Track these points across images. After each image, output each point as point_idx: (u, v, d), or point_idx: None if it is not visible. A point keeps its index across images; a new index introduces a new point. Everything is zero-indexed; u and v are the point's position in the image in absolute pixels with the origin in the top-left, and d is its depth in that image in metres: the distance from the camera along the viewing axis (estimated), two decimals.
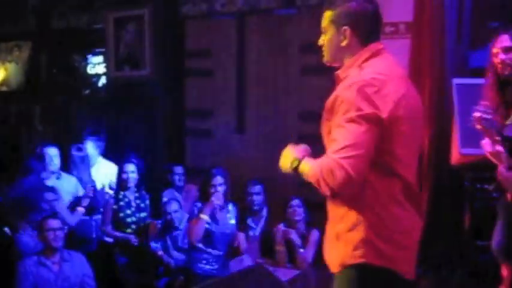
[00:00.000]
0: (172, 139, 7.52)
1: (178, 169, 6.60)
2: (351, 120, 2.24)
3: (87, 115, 9.25)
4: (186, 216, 5.71)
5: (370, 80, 2.28)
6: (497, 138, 3.64)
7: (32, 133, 9.15)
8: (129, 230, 5.76)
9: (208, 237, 5.37)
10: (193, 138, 7.48)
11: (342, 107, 2.28)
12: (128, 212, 5.74)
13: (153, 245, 5.71)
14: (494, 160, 3.72)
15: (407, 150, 2.38)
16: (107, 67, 8.18)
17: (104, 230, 5.87)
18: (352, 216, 2.40)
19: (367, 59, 2.41)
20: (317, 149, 2.48)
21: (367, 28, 2.44)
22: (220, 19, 7.14)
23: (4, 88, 10.79)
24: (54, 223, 5.04)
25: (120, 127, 7.75)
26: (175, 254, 5.63)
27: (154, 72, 7.36)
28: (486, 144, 3.77)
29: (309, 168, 2.38)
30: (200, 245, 5.36)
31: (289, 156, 2.50)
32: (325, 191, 2.28)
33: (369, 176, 2.31)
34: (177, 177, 6.56)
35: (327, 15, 2.49)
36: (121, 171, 5.99)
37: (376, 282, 2.40)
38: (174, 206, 5.77)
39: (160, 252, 5.66)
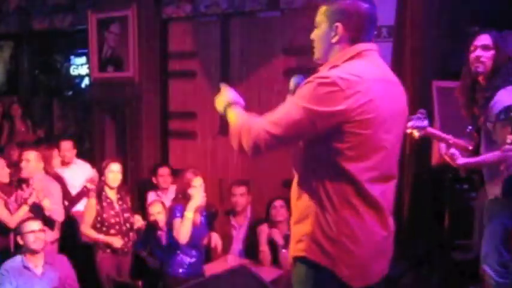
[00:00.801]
0: (156, 140, 7.53)
1: (163, 170, 6.61)
2: (296, 105, 2.29)
3: (69, 116, 9.26)
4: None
5: (335, 78, 2.26)
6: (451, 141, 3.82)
7: (13, 133, 9.10)
8: (112, 231, 5.71)
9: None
10: (177, 140, 7.51)
11: (299, 90, 2.34)
12: (112, 212, 5.70)
13: (136, 245, 5.71)
14: (448, 160, 3.87)
15: (367, 154, 2.33)
16: (90, 68, 8.16)
17: (84, 231, 5.73)
18: (301, 208, 2.44)
19: (350, 58, 2.40)
20: None
21: (358, 27, 2.41)
22: (205, 21, 7.17)
23: None
24: (35, 225, 4.98)
25: (103, 128, 7.75)
26: (158, 254, 5.63)
27: (138, 73, 7.35)
28: (442, 147, 3.93)
29: (236, 117, 2.49)
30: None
31: (225, 98, 2.61)
32: (233, 143, 2.39)
33: (321, 174, 2.35)
34: (161, 179, 6.57)
35: (322, 10, 2.47)
36: (105, 172, 5.83)
37: (318, 280, 2.40)
38: (157, 207, 5.79)
39: (143, 253, 5.67)
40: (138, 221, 5.79)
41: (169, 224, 5.06)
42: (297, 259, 2.46)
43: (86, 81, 9.22)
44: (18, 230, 5.01)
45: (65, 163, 6.82)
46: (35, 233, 4.90)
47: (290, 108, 2.30)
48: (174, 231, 4.95)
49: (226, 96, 2.62)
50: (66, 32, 8.88)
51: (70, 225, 6.20)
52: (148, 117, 7.38)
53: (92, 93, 8.14)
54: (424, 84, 5.18)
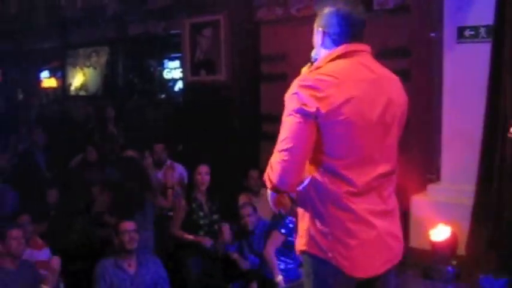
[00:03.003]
0: (248, 143, 7.57)
1: (254, 173, 6.62)
2: (288, 115, 2.39)
3: (162, 119, 9.44)
4: (264, 220, 5.72)
5: (313, 80, 2.37)
6: None
7: (106, 136, 9.35)
8: (201, 233, 5.79)
9: (287, 248, 5.33)
10: (269, 143, 7.48)
11: (286, 104, 2.42)
12: (201, 214, 5.76)
13: (228, 248, 5.74)
14: None
15: (351, 153, 2.40)
16: (183, 72, 8.31)
17: (174, 233, 5.83)
18: (302, 209, 2.55)
19: (333, 59, 2.47)
20: None
21: (338, 30, 2.50)
22: (296, 23, 7.15)
23: (82, 92, 11.12)
24: (130, 225, 5.05)
25: (196, 131, 7.86)
26: (250, 257, 5.65)
27: (229, 76, 7.43)
28: None
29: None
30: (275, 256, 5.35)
31: None
32: (268, 185, 2.46)
33: (312, 172, 2.44)
34: (252, 182, 6.59)
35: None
36: (194, 173, 5.97)
37: (321, 272, 2.50)
38: (249, 210, 5.81)
39: (235, 256, 5.69)
40: (226, 230, 5.81)
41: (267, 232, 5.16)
42: (302, 253, 2.57)
43: (179, 85, 9.37)
44: (113, 230, 5.12)
45: (157, 165, 6.97)
46: (130, 233, 4.98)
47: (286, 121, 2.40)
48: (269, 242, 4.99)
49: None
50: (160, 37, 9.08)
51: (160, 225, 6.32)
52: (240, 120, 7.42)
53: (185, 96, 8.28)
54: None
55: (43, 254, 5.35)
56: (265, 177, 2.46)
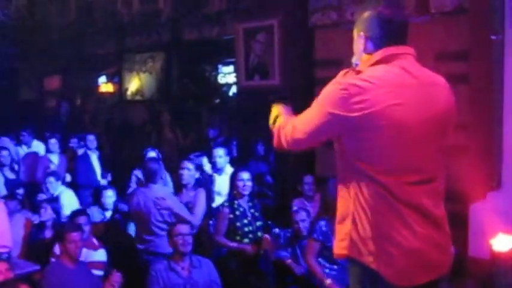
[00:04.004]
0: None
1: (308, 178, 6.58)
2: (318, 105, 2.45)
3: (217, 123, 9.49)
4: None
5: (347, 85, 2.36)
6: None
7: (161, 141, 9.45)
8: (246, 240, 5.74)
9: (332, 256, 5.27)
10: (323, 148, 7.43)
11: (322, 92, 2.46)
12: (245, 221, 5.74)
13: (282, 253, 5.72)
14: None
15: (390, 160, 2.37)
16: (237, 77, 8.32)
17: (218, 240, 5.80)
18: (342, 209, 2.53)
19: (375, 63, 2.47)
20: None
21: (380, 34, 2.49)
22: (350, 28, 7.05)
23: (138, 97, 11.28)
24: (184, 228, 5.10)
25: (250, 135, 7.86)
26: (303, 263, 5.61)
27: (283, 81, 7.41)
28: None
29: (278, 121, 2.76)
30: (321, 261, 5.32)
31: (275, 112, 2.89)
32: (274, 142, 2.68)
33: (353, 178, 2.43)
34: (306, 187, 6.55)
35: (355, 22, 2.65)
36: (236, 179, 5.89)
37: (361, 275, 2.47)
38: (302, 215, 5.77)
39: (289, 261, 5.66)
40: (266, 241, 5.74)
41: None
42: (342, 257, 2.55)
43: (233, 89, 9.42)
44: (168, 233, 5.16)
45: (217, 169, 6.99)
46: (184, 236, 5.03)
47: (311, 111, 2.48)
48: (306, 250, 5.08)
49: (276, 111, 2.90)
50: (215, 42, 9.13)
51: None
52: None
53: (239, 101, 8.29)
54: None
55: (98, 254, 5.45)
56: (275, 133, 2.68)
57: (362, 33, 2.54)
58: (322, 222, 5.27)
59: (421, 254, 2.41)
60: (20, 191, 7.14)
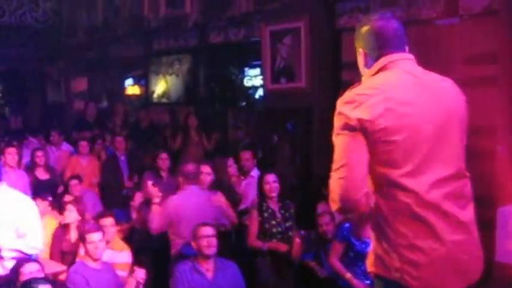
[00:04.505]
0: (328, 151, 7.46)
1: None
2: (336, 135, 2.41)
3: (243, 126, 9.49)
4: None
5: (353, 96, 2.38)
6: None
7: (187, 143, 9.47)
8: (275, 240, 5.78)
9: (356, 257, 5.28)
10: None
11: (334, 125, 2.44)
12: (273, 222, 5.75)
13: (305, 256, 5.72)
14: None
15: (408, 161, 2.34)
16: (263, 79, 8.33)
17: (251, 243, 5.86)
18: (369, 229, 2.53)
19: (376, 73, 2.50)
20: None
21: (376, 45, 2.52)
22: None
23: (164, 100, 11.32)
24: (208, 230, 5.11)
25: (276, 138, 7.86)
26: (327, 265, 5.60)
27: (310, 83, 7.39)
28: None
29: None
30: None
31: None
32: (333, 208, 2.45)
33: (377, 190, 2.40)
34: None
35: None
36: (263, 182, 5.97)
37: None
38: (326, 219, 5.77)
39: (312, 264, 5.67)
40: (297, 244, 5.75)
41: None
42: (370, 274, 2.54)
43: (259, 92, 9.40)
44: (192, 235, 5.17)
45: (243, 172, 6.99)
46: (208, 238, 5.04)
47: (336, 142, 2.40)
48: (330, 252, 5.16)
49: None
50: (241, 44, 9.13)
51: (239, 233, 6.34)
52: (321, 128, 7.36)
53: (265, 104, 8.30)
54: None
55: (123, 256, 5.48)
56: (330, 201, 2.44)
57: (361, 50, 2.59)
58: (346, 225, 5.28)
59: (449, 261, 2.37)
60: (49, 191, 7.21)
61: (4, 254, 4.48)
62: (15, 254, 4.53)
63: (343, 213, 2.56)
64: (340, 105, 2.40)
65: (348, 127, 2.34)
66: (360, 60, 2.61)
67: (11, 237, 4.50)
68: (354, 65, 7.94)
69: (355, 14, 7.09)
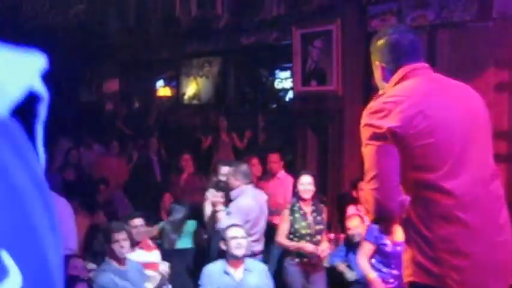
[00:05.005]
0: (358, 154, 7.42)
1: (363, 184, 6.50)
2: (365, 145, 2.40)
3: (273, 128, 9.50)
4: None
5: (378, 105, 2.39)
6: None
7: (217, 145, 9.51)
8: (303, 242, 5.75)
9: (386, 259, 5.24)
10: None
11: (362, 137, 2.44)
12: (303, 224, 5.75)
13: (334, 259, 5.71)
14: None
15: (439, 163, 2.33)
16: (293, 82, 8.32)
17: (279, 241, 5.84)
18: (405, 237, 2.51)
19: (396, 83, 2.51)
20: None
21: (393, 58, 2.54)
22: None
23: (195, 101, 11.39)
24: (238, 231, 5.11)
25: (306, 140, 7.85)
26: (356, 269, 5.58)
27: (341, 87, 7.37)
28: None
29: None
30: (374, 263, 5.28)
31: None
32: (370, 220, 2.54)
33: (411, 197, 2.39)
34: (361, 193, 6.48)
35: None
36: (298, 183, 5.94)
37: None
38: (355, 222, 5.75)
39: (341, 267, 5.65)
40: (325, 250, 5.75)
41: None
42: (410, 285, 2.48)
43: (289, 95, 9.41)
44: (222, 236, 5.19)
45: (271, 174, 7.00)
46: (238, 240, 5.04)
47: (366, 152, 2.40)
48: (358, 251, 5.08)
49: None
50: (271, 47, 9.14)
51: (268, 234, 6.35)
52: (351, 131, 7.33)
53: (295, 106, 8.29)
54: None
55: (152, 256, 5.52)
56: (366, 212, 2.47)
57: (378, 63, 2.59)
58: (376, 226, 5.24)
59: (491, 263, 2.36)
60: (79, 192, 7.30)
61: None
62: None
63: (380, 224, 2.56)
64: (367, 115, 2.41)
65: (377, 137, 2.35)
66: (377, 74, 2.61)
67: None
68: None
69: (387, 16, 7.05)
